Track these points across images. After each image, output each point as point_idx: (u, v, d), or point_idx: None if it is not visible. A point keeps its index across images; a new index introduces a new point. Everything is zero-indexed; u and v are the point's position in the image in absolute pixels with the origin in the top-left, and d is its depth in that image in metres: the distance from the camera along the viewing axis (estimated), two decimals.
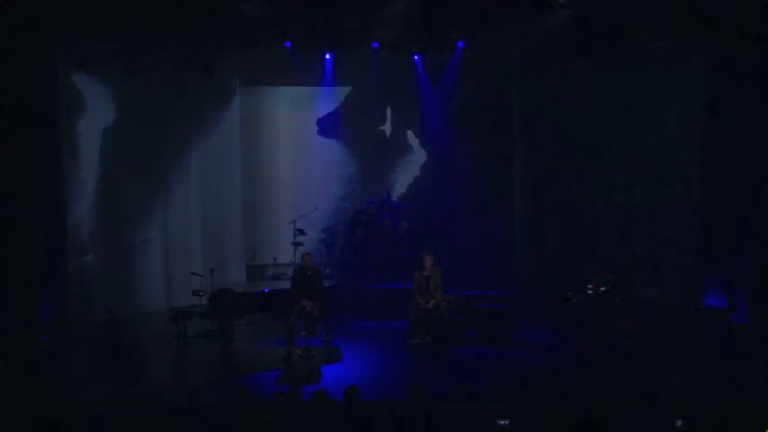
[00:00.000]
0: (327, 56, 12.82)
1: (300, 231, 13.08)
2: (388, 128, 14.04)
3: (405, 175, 13.99)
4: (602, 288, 10.45)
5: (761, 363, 8.52)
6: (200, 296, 10.86)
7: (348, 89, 13.85)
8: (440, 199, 13.44)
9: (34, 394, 7.84)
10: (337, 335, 10.37)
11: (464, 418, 6.28)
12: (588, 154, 12.24)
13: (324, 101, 13.77)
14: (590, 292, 10.46)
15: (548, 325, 10.92)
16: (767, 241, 10.09)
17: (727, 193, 10.61)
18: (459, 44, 12.40)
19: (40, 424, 6.11)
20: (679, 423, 5.94)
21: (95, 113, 11.60)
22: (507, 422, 5.95)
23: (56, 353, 9.74)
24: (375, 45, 12.28)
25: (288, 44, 12.20)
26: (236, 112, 13.36)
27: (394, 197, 13.68)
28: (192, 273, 11.25)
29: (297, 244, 13.00)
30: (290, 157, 13.73)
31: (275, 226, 13.60)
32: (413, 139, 14.01)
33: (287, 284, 11.02)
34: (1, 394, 7.67)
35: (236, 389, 7.39)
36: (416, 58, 12.89)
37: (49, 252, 10.63)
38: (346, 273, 12.85)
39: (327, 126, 13.90)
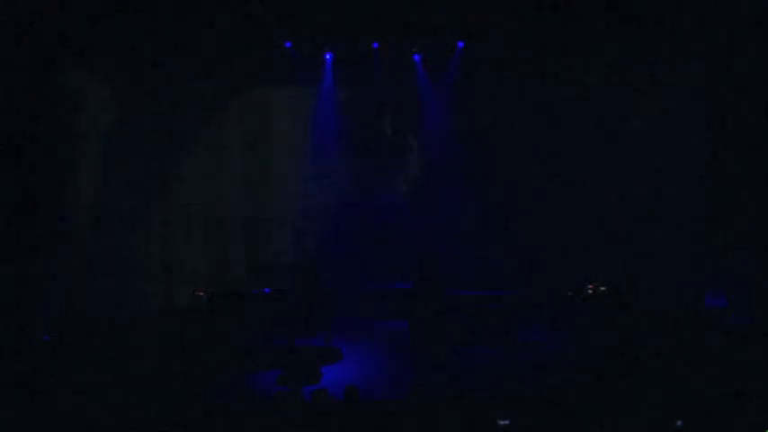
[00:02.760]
0: (327, 56, 12.83)
1: (300, 232, 13.06)
2: (388, 128, 14.02)
3: (405, 175, 13.96)
4: (603, 288, 10.46)
5: (761, 363, 8.52)
6: (200, 296, 10.85)
7: (348, 89, 13.82)
8: (440, 199, 13.41)
9: (35, 394, 7.84)
10: (337, 335, 10.37)
11: (464, 417, 6.28)
12: (589, 153, 12.23)
13: (324, 101, 13.75)
14: (590, 291, 10.46)
15: (549, 325, 10.91)
16: (767, 241, 10.08)
17: (727, 193, 10.61)
18: (459, 44, 12.39)
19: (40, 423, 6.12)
20: (679, 423, 5.95)
21: (95, 113, 11.60)
22: (507, 422, 5.95)
23: (56, 353, 9.74)
24: (375, 45, 12.27)
25: (288, 44, 12.20)
26: (235, 113, 13.33)
27: (394, 197, 13.66)
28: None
29: (297, 244, 12.98)
30: (289, 157, 13.69)
31: (275, 226, 13.57)
32: (413, 139, 13.99)
33: (287, 285, 11.01)
34: (1, 394, 7.68)
35: (236, 389, 7.40)
36: (416, 58, 12.89)
37: (49, 251, 10.63)
38: (346, 273, 12.84)
39: (327, 126, 13.87)
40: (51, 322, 10.46)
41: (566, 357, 9.63)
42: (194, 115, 12.69)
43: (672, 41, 11.11)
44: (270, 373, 9.06)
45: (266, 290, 11.35)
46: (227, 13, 11.00)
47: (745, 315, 10.18)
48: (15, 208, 10.14)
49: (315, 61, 12.84)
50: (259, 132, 13.53)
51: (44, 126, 10.49)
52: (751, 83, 10.12)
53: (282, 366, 9.27)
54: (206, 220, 13.01)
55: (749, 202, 10.30)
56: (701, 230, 11.05)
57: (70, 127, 11.24)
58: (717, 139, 10.76)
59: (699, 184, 11.07)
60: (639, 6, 10.69)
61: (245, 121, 13.46)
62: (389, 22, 11.45)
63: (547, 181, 12.63)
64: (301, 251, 12.53)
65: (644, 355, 9.22)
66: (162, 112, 12.23)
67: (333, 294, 10.88)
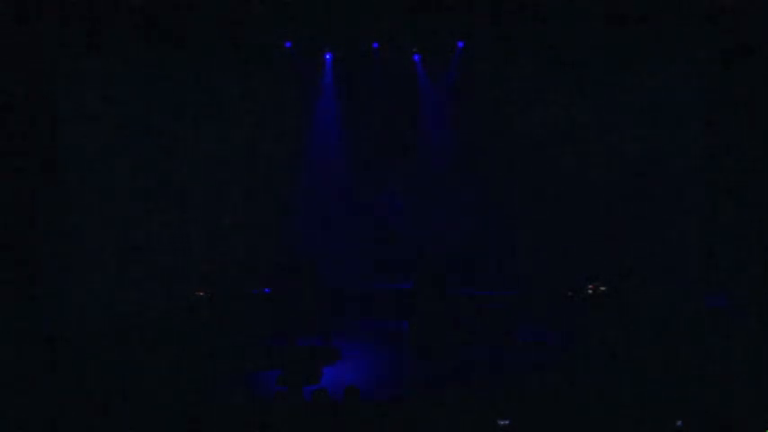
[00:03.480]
0: (327, 56, 12.84)
1: (301, 232, 13.08)
2: (388, 128, 14.01)
3: (405, 175, 13.96)
4: (603, 288, 10.47)
5: (761, 363, 8.52)
6: (200, 296, 10.87)
7: (348, 89, 13.82)
8: (440, 199, 13.43)
9: (35, 394, 7.85)
10: (337, 335, 10.37)
11: (464, 418, 6.28)
12: (589, 153, 12.25)
13: (324, 101, 13.77)
14: (590, 291, 10.47)
15: (549, 325, 10.92)
16: (767, 241, 10.09)
17: (727, 193, 10.62)
18: (459, 44, 12.41)
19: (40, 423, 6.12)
20: (679, 423, 5.95)
21: (94, 113, 11.61)
22: (507, 422, 5.95)
23: (56, 353, 9.75)
24: (375, 45, 12.29)
25: (288, 44, 12.21)
26: (235, 112, 13.34)
27: (394, 197, 13.67)
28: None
29: (297, 244, 13.00)
30: (289, 156, 13.70)
31: (275, 225, 13.58)
32: (413, 139, 13.98)
33: (288, 284, 11.03)
34: (2, 394, 7.69)
35: (236, 389, 7.41)
36: (416, 58, 12.91)
37: (50, 251, 10.64)
38: (346, 273, 12.85)
39: (327, 126, 13.88)
40: (51, 322, 10.46)
41: (566, 357, 9.63)
42: (194, 115, 12.70)
43: (672, 41, 11.12)
44: (270, 373, 9.06)
45: (266, 290, 11.38)
46: (227, 13, 11.01)
47: (745, 315, 10.18)
48: (15, 208, 10.14)
49: (315, 61, 12.86)
50: (259, 132, 13.55)
51: (44, 127, 10.50)
52: (751, 82, 10.13)
53: (282, 366, 9.28)
54: (206, 219, 13.02)
55: (749, 201, 10.31)
56: (701, 230, 11.05)
57: (70, 127, 11.24)
58: (717, 138, 10.76)
59: (699, 184, 11.08)
60: (640, 7, 10.70)
61: (245, 121, 13.47)
62: (389, 22, 11.46)
63: (547, 181, 12.64)
64: (301, 251, 12.52)
65: (644, 355, 9.22)
66: (161, 112, 12.23)
67: (333, 294, 10.88)
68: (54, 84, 10.87)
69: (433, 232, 12.98)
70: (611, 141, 12.03)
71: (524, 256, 12.73)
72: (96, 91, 11.66)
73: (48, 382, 8.46)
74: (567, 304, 10.64)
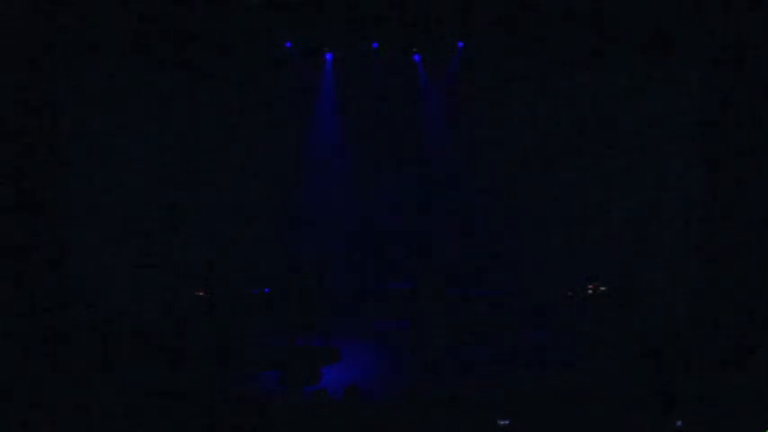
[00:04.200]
0: (327, 56, 12.85)
1: (301, 232, 13.07)
2: (388, 128, 14.00)
3: (405, 176, 13.96)
4: (603, 288, 10.47)
5: (761, 363, 8.52)
6: (200, 296, 10.87)
7: (348, 89, 13.82)
8: (440, 198, 13.43)
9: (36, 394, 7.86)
10: (337, 335, 10.38)
11: (464, 418, 6.29)
12: (589, 154, 12.25)
13: (324, 101, 13.76)
14: (590, 291, 10.48)
15: (549, 325, 10.93)
16: (766, 241, 10.10)
17: (727, 193, 10.63)
18: (459, 44, 12.42)
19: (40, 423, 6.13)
20: (679, 423, 5.95)
21: (96, 113, 11.62)
22: (507, 422, 5.96)
23: (56, 353, 9.75)
24: (375, 45, 12.30)
25: (288, 44, 12.22)
26: (235, 113, 13.34)
27: (394, 197, 13.66)
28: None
29: (298, 244, 12.99)
30: (289, 157, 13.71)
31: (275, 226, 13.57)
32: (413, 139, 13.98)
33: (288, 285, 11.03)
34: (3, 394, 7.70)
35: (236, 389, 7.41)
36: (416, 58, 12.91)
37: (50, 251, 10.65)
38: (346, 273, 12.85)
39: (327, 126, 13.88)
40: (52, 322, 10.45)
41: (566, 357, 9.64)
42: (193, 116, 12.69)
43: (672, 42, 11.12)
44: (270, 373, 9.07)
45: (266, 290, 11.39)
46: (227, 13, 11.01)
47: (744, 315, 10.18)
48: (15, 208, 10.15)
49: (315, 61, 12.86)
50: (259, 132, 13.55)
51: (47, 128, 10.52)
52: (751, 82, 10.14)
53: (282, 366, 9.28)
54: (206, 219, 13.01)
55: (749, 201, 10.32)
56: (701, 230, 11.06)
57: (70, 127, 11.25)
58: (717, 138, 10.77)
59: (699, 184, 11.09)
60: (640, 7, 10.71)
61: (245, 122, 13.47)
62: (389, 22, 11.46)
63: (547, 180, 12.64)
64: (301, 252, 12.53)
65: (643, 355, 9.22)
66: (161, 112, 12.23)
67: (333, 294, 10.88)
68: (54, 84, 10.87)
69: (433, 232, 12.97)
70: (611, 141, 12.03)
71: (524, 257, 12.73)
72: (96, 91, 11.67)
73: (48, 382, 8.46)
74: (567, 304, 10.65)
